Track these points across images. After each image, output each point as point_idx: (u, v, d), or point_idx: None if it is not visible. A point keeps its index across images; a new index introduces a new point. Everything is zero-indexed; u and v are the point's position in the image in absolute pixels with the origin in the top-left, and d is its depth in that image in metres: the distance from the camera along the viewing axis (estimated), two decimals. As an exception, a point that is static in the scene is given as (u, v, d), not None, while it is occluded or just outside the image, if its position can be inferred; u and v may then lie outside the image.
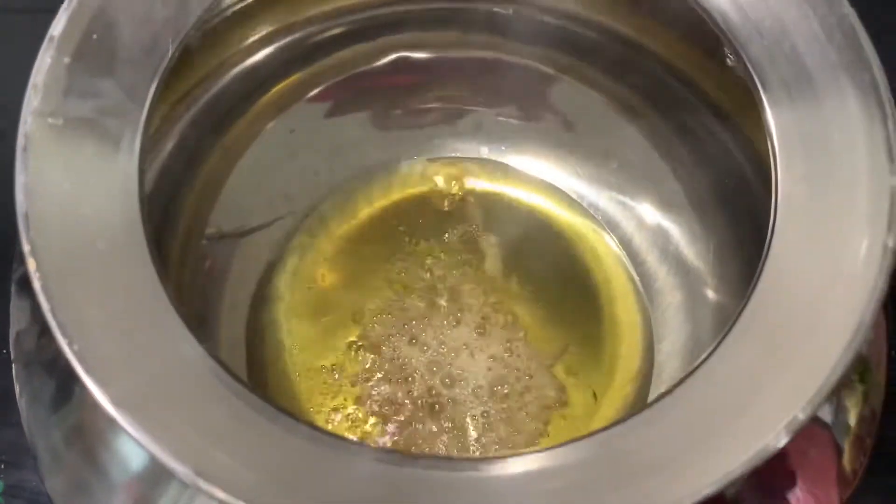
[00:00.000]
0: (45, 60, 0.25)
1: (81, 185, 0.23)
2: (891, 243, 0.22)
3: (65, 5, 0.25)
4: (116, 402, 0.20)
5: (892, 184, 0.23)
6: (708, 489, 0.20)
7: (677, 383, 0.22)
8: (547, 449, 0.21)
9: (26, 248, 0.22)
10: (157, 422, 0.21)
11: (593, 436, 0.21)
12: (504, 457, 0.21)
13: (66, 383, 0.27)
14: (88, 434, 0.27)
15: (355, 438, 0.34)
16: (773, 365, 0.22)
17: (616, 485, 0.20)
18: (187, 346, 0.22)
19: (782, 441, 0.20)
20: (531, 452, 0.21)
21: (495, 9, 0.35)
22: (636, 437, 0.21)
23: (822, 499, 0.27)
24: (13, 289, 0.30)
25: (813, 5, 0.26)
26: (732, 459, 0.20)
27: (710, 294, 0.35)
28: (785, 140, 0.25)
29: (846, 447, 0.28)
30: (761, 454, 0.20)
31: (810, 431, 0.27)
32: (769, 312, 0.23)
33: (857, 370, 0.29)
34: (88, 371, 0.21)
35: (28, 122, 0.24)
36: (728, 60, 0.27)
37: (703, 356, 0.22)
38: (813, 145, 0.25)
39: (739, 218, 0.33)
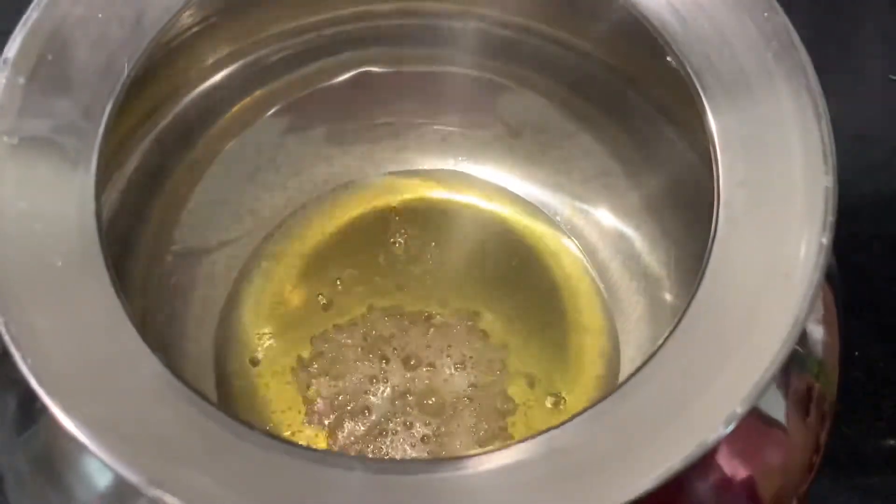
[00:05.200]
0: (-1, 81, 0.25)
1: (37, 202, 0.24)
2: (825, 241, 0.23)
3: (19, 27, 0.25)
4: (68, 411, 0.21)
5: (825, 184, 0.24)
6: (648, 484, 0.20)
7: (620, 384, 0.22)
8: (496, 450, 0.21)
9: (-20, 264, 0.22)
10: (111, 433, 0.21)
11: (540, 435, 0.21)
12: (450, 458, 0.21)
13: (29, 405, 0.28)
14: (53, 456, 0.27)
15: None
16: (713, 363, 0.22)
17: (560, 482, 0.21)
18: (144, 359, 0.22)
19: (720, 435, 0.21)
20: (480, 454, 0.21)
21: (453, 23, 0.36)
22: (580, 436, 0.21)
23: (776, 497, 0.27)
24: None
25: (749, 12, 0.26)
26: (673, 454, 0.20)
27: (671, 299, 0.36)
28: (726, 145, 0.25)
29: (801, 445, 0.28)
30: (700, 448, 0.21)
31: (765, 430, 0.28)
32: (710, 313, 0.23)
33: (813, 371, 0.29)
34: (42, 383, 0.21)
35: (-18, 141, 0.24)
36: (670, 63, 0.27)
37: (646, 358, 0.23)
38: (752, 149, 0.25)
39: (695, 221, 0.33)
